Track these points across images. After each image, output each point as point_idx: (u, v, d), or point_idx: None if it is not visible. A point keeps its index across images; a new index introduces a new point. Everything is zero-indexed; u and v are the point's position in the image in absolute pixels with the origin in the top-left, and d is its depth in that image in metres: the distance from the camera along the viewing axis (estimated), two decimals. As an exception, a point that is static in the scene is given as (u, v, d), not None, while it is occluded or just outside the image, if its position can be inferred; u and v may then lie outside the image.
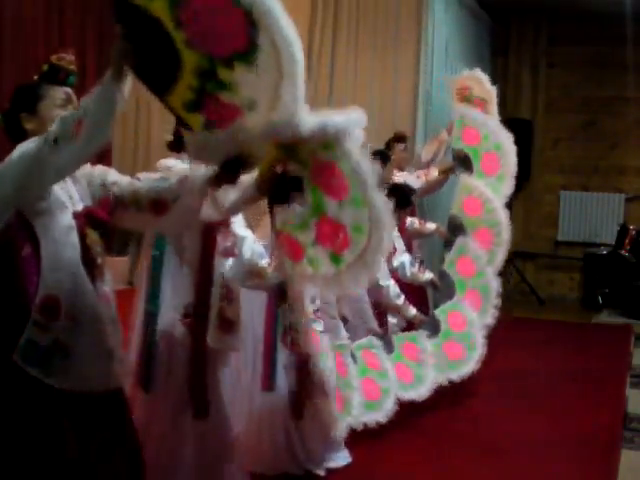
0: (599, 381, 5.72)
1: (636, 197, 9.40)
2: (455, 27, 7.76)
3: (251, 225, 3.29)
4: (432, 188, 6.15)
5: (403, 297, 4.57)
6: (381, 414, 4.14)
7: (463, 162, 5.40)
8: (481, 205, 5.25)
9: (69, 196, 2.29)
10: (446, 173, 5.92)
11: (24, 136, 2.24)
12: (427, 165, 6.23)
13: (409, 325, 4.90)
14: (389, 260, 4.62)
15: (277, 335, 3.53)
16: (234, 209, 2.55)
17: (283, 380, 3.57)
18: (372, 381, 4.22)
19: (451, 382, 4.71)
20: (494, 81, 5.72)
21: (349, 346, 4.06)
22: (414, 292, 5.07)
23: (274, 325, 3.53)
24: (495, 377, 5.48)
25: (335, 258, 2.10)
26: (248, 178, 2.39)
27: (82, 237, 2.27)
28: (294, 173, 2.13)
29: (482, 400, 5.11)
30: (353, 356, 4.09)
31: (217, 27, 1.91)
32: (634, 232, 8.70)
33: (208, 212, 2.52)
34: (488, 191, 5.25)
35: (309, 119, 1.94)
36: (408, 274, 4.80)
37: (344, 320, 4.11)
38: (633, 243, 8.66)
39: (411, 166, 6.30)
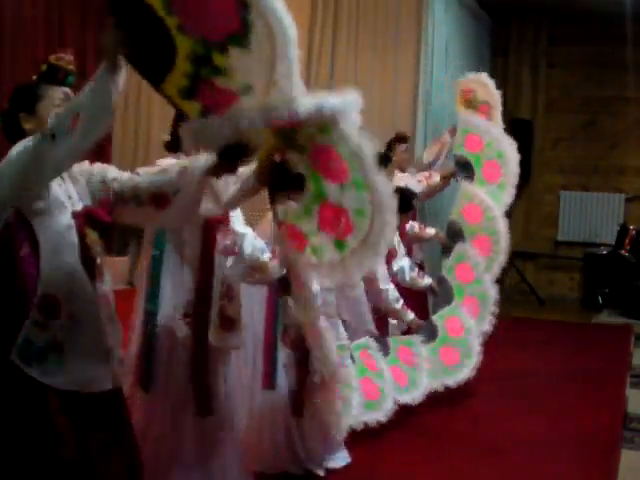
0: (599, 381, 5.72)
1: (636, 197, 9.40)
2: (455, 27, 7.76)
3: (251, 223, 3.29)
4: (433, 193, 6.15)
5: (402, 301, 4.58)
6: (381, 413, 4.14)
7: (464, 168, 5.41)
8: (481, 213, 5.26)
9: (68, 196, 2.29)
10: (447, 178, 5.92)
11: (23, 136, 2.23)
12: (429, 166, 6.23)
13: (409, 328, 4.91)
14: (389, 264, 4.63)
15: (277, 333, 3.53)
16: (234, 202, 2.54)
17: (283, 379, 3.58)
18: (370, 381, 4.22)
19: (447, 388, 4.72)
20: (494, 81, 5.72)
21: (348, 346, 4.06)
22: (414, 297, 5.08)
23: (274, 323, 3.53)
24: (495, 377, 5.48)
25: (339, 244, 2.08)
26: (247, 170, 2.38)
27: (81, 237, 2.27)
28: (293, 162, 2.11)
29: (482, 400, 5.11)
30: (352, 356, 4.09)
31: (209, 10, 1.90)
32: (634, 232, 8.70)
33: (208, 206, 2.51)
34: (489, 199, 5.27)
35: (305, 100, 1.93)
36: (407, 279, 4.82)
37: (342, 321, 4.11)
38: (633, 243, 8.67)
39: (412, 167, 6.29)
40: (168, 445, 3.05)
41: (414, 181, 5.85)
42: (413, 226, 5.42)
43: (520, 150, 5.42)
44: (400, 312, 4.61)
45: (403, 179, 5.68)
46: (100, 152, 6.88)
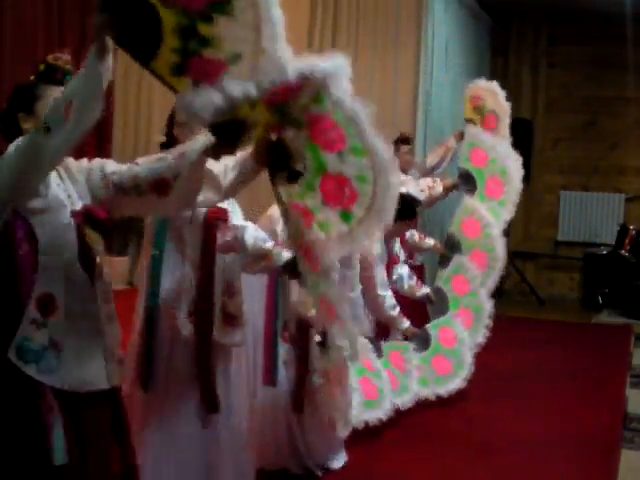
0: (599, 381, 5.72)
1: (636, 197, 9.40)
2: (455, 27, 7.76)
3: (250, 219, 3.28)
4: (434, 202, 6.16)
5: (398, 309, 4.59)
6: (381, 412, 4.15)
7: (467, 181, 5.43)
8: (481, 229, 5.31)
9: (67, 195, 2.28)
10: (449, 189, 5.93)
11: (21, 136, 2.23)
12: (431, 170, 6.22)
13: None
14: (389, 271, 4.64)
15: (277, 329, 3.53)
16: (234, 188, 2.52)
17: (284, 375, 3.58)
18: (369, 381, 4.23)
19: (438, 397, 4.73)
20: (494, 81, 5.73)
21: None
22: (415, 304, 5.09)
23: (274, 319, 3.53)
24: (494, 377, 5.48)
25: (345, 215, 2.08)
26: (246, 154, 2.37)
27: (80, 236, 2.27)
28: (289, 138, 2.09)
29: (481, 400, 5.11)
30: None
31: None
32: (634, 232, 8.70)
33: (208, 195, 2.49)
34: (489, 215, 5.30)
35: (295, 64, 1.92)
36: (405, 287, 4.86)
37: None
38: (633, 243, 8.67)
39: (415, 170, 6.28)
40: (167, 443, 3.05)
41: (417, 189, 5.85)
42: (413, 234, 5.42)
43: (520, 150, 5.44)
44: (396, 319, 4.61)
45: (406, 185, 5.66)
46: (100, 153, 6.87)
